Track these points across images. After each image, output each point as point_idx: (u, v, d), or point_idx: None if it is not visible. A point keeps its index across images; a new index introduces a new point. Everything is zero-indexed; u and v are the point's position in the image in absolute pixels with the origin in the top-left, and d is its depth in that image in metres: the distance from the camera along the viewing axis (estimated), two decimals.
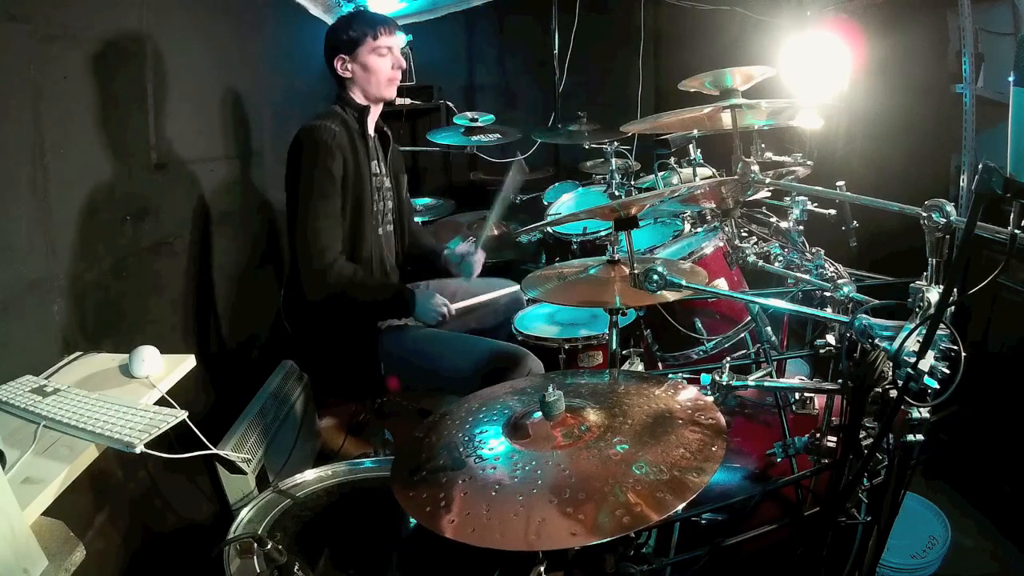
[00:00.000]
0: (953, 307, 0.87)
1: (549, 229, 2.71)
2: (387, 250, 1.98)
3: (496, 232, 2.05)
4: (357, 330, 1.85)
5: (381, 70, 1.84)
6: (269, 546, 0.99)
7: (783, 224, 1.61)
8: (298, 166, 1.73)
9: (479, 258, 2.06)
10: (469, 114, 3.17)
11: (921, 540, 1.70)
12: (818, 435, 1.25)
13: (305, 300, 1.76)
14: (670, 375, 1.37)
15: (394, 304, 1.85)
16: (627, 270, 1.32)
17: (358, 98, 1.87)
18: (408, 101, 3.74)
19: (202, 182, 2.08)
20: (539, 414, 1.02)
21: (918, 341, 0.83)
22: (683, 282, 1.08)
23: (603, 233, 2.55)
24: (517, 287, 2.10)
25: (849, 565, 1.16)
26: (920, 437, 0.91)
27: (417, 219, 3.08)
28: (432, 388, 1.96)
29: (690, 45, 3.55)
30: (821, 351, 1.19)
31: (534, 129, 3.49)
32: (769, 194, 1.81)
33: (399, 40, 1.87)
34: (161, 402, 1.33)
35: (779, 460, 1.32)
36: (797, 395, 1.45)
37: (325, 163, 1.70)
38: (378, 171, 1.91)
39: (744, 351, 1.85)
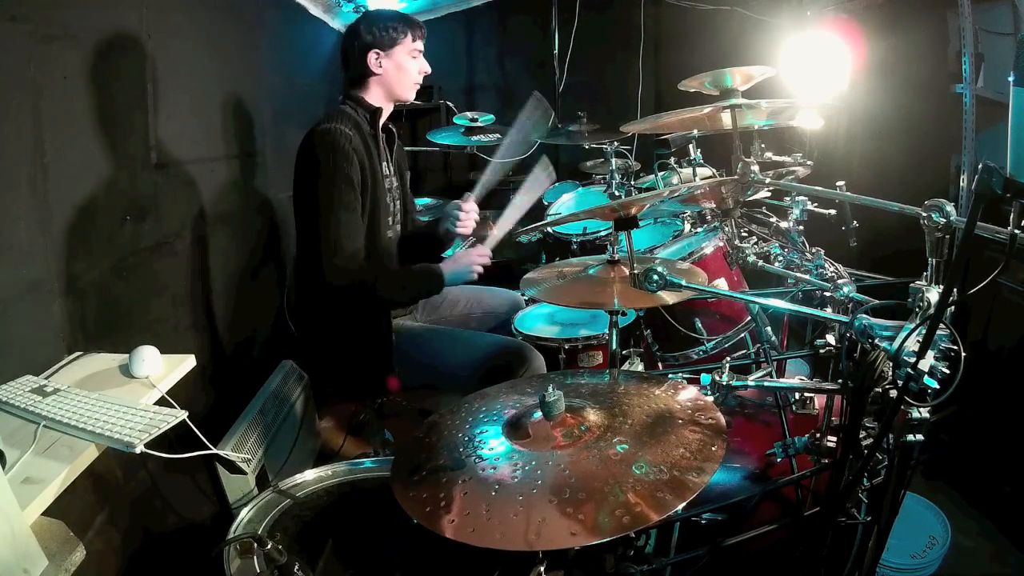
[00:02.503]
0: (953, 307, 0.87)
1: (549, 229, 2.72)
2: (394, 251, 1.96)
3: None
4: (371, 329, 1.82)
5: (411, 72, 1.84)
6: (269, 546, 0.98)
7: (783, 224, 1.61)
8: (316, 174, 1.66)
9: (469, 207, 1.94)
10: (469, 114, 3.17)
11: (921, 540, 1.70)
12: (818, 435, 1.25)
13: (313, 300, 1.75)
14: (670, 375, 1.37)
15: (425, 284, 1.80)
16: (627, 270, 1.32)
17: (374, 98, 1.83)
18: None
19: (202, 182, 2.08)
20: (539, 414, 1.02)
21: (918, 341, 0.83)
22: (683, 282, 1.08)
23: (603, 233, 2.55)
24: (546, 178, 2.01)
25: (849, 565, 1.16)
26: (920, 437, 0.91)
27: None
28: (434, 385, 1.95)
29: (690, 45, 3.55)
30: (821, 351, 1.19)
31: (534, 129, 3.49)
32: (769, 194, 1.81)
33: (423, 46, 1.87)
34: (161, 402, 1.33)
35: (779, 460, 1.32)
36: (797, 395, 1.45)
37: (345, 170, 1.66)
38: (388, 172, 1.89)
39: (744, 351, 1.85)
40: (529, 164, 2.02)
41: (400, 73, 1.82)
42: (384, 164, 1.86)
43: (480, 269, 1.80)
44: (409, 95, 1.88)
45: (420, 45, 1.85)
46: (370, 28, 1.80)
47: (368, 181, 1.74)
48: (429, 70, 1.87)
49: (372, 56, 1.79)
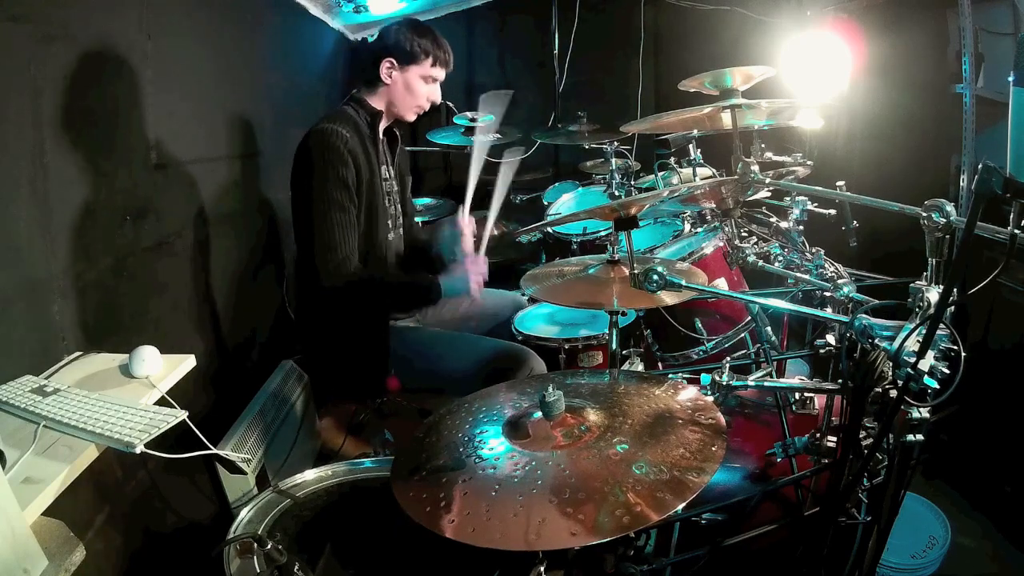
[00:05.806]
0: (953, 307, 0.87)
1: (549, 229, 2.72)
2: (395, 255, 1.96)
3: (497, 232, 2.01)
4: (368, 330, 1.82)
5: (419, 95, 1.81)
6: (269, 546, 0.99)
7: (783, 224, 1.61)
8: (310, 173, 1.67)
9: (467, 223, 1.94)
10: (469, 114, 3.17)
11: (921, 540, 1.70)
12: (818, 435, 1.25)
13: (315, 301, 1.75)
14: (670, 375, 1.37)
15: (421, 295, 1.81)
16: (627, 270, 1.32)
17: (377, 103, 1.83)
18: None
19: (202, 182, 2.08)
20: (539, 414, 1.02)
21: (918, 341, 0.83)
22: (683, 282, 1.08)
23: (603, 233, 2.55)
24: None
25: (849, 565, 1.16)
26: (920, 437, 0.91)
27: (417, 219, 3.09)
28: (434, 388, 1.95)
29: (690, 45, 3.55)
30: (821, 351, 1.19)
31: (534, 129, 3.49)
32: (769, 194, 1.81)
33: (443, 76, 1.86)
34: (161, 402, 1.33)
35: (779, 460, 1.32)
36: (797, 395, 1.45)
37: (338, 172, 1.65)
38: (387, 175, 1.88)
39: (744, 351, 1.85)
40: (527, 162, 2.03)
41: (407, 92, 1.80)
42: (384, 167, 1.86)
43: (478, 287, 1.78)
44: (408, 116, 1.86)
45: (439, 73, 1.82)
46: (396, 35, 1.79)
47: (364, 183, 1.73)
48: (439, 100, 1.85)
49: (385, 64, 1.78)
